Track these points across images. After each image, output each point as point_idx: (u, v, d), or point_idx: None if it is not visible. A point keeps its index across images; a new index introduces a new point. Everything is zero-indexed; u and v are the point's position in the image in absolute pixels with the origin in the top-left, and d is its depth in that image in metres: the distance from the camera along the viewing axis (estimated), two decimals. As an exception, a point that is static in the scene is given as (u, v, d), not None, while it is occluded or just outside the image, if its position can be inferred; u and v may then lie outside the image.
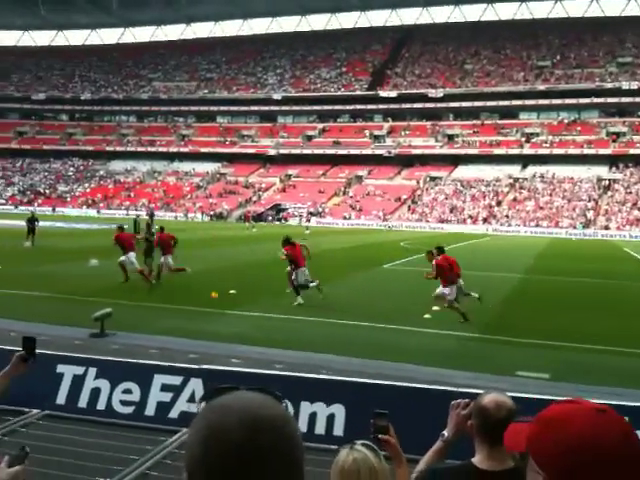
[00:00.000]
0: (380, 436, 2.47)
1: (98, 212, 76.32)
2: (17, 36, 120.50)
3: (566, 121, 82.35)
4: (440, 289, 14.16)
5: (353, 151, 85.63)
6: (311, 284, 16.14)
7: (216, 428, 1.02)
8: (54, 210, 73.67)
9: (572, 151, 76.62)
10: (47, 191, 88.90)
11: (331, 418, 6.95)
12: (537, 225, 65.65)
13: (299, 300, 15.72)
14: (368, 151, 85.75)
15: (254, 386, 1.13)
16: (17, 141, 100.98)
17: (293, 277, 16.17)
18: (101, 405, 7.47)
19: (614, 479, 1.10)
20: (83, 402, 7.52)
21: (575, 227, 63.54)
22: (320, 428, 6.90)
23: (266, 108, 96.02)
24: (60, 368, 7.66)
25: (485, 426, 2.49)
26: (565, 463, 1.14)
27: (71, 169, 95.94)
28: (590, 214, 66.45)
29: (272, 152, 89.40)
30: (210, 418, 1.05)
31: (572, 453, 1.14)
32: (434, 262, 14.22)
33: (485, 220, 68.29)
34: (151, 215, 49.99)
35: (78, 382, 7.61)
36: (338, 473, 2.19)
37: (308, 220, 58.15)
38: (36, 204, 76.37)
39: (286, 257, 16.36)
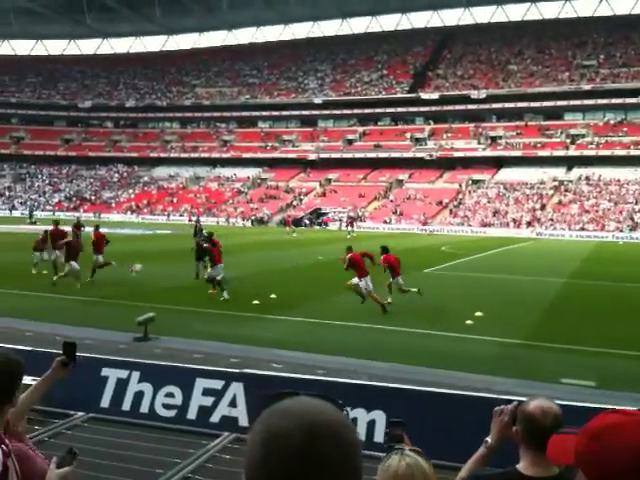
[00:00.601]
0: (395, 445, 2.46)
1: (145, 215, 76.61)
2: (64, 45, 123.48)
3: (612, 122, 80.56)
4: (355, 279, 16.03)
5: (394, 154, 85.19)
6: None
7: (276, 432, 1.03)
8: (99, 216, 75.03)
9: (618, 152, 74.87)
10: (92, 197, 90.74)
11: (372, 424, 6.91)
12: (582, 229, 64.32)
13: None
14: (409, 154, 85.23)
15: (315, 392, 1.13)
16: (64, 148, 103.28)
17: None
18: (144, 408, 7.58)
19: None
20: (127, 405, 7.64)
21: (622, 230, 62.09)
22: (360, 434, 6.87)
23: (307, 112, 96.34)
24: (105, 371, 7.80)
25: (531, 432, 2.47)
26: (616, 477, 1.11)
27: (116, 175, 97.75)
28: (637, 217, 64.83)
29: (312, 156, 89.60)
30: (270, 422, 1.05)
31: (623, 467, 1.10)
32: (348, 256, 16.21)
33: (529, 224, 67.20)
34: (197, 221, 51.04)
35: (122, 385, 7.74)
36: (390, 478, 2.19)
37: (351, 224, 57.95)
38: (82, 210, 77.88)
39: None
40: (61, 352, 3.51)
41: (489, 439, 2.89)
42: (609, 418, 1.20)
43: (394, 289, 16.70)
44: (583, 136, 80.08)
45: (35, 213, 72.51)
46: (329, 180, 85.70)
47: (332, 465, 1.01)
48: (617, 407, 1.16)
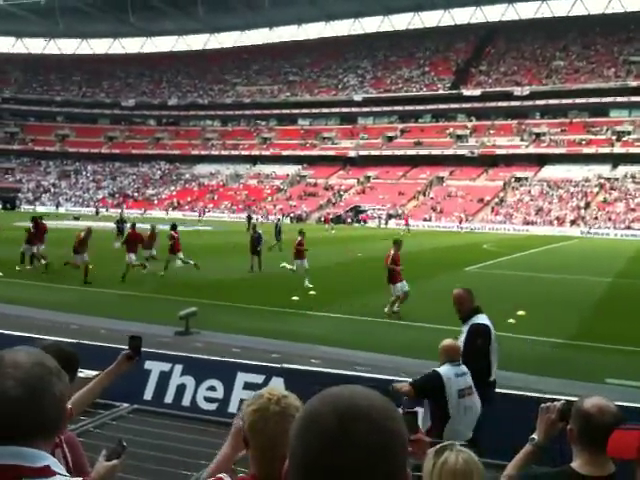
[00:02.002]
0: (411, 436, 2.43)
1: (200, 216, 75.59)
2: (108, 44, 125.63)
3: (659, 118, 78.64)
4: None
5: (434, 151, 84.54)
6: None
7: (311, 414, 1.05)
8: (144, 212, 76.06)
9: (666, 149, 73.08)
10: (135, 194, 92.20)
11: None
12: (628, 227, 62.94)
13: None
14: (450, 151, 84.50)
15: (372, 384, 1.16)
16: (107, 146, 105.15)
17: None
18: (186, 401, 7.68)
19: None
20: (169, 398, 7.74)
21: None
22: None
23: (347, 110, 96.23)
24: (148, 364, 7.91)
25: (587, 431, 2.43)
26: None
27: (158, 172, 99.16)
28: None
29: (352, 154, 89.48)
30: (310, 404, 1.08)
31: None
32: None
33: (573, 222, 66.04)
34: (249, 218, 52.41)
35: (165, 378, 7.85)
36: (450, 474, 2.18)
37: (407, 223, 57.84)
38: (125, 206, 79.05)
39: None
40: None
41: (535, 436, 2.87)
42: None
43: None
44: (629, 133, 78.29)
45: (101, 210, 75.20)
46: (368, 177, 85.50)
47: (365, 450, 1.00)
48: None
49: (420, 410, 4.84)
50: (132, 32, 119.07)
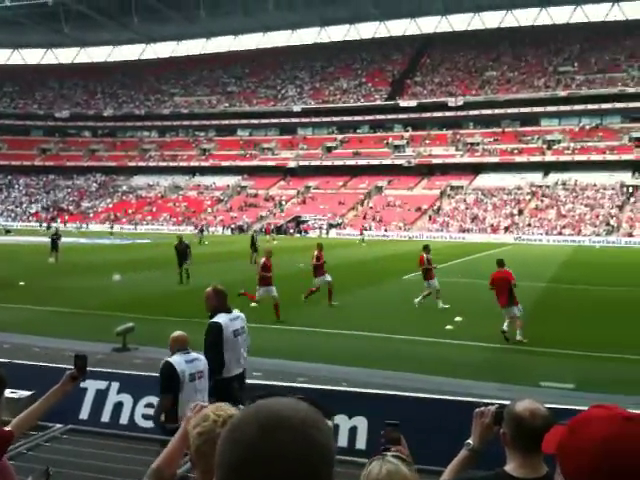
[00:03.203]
0: (392, 447, 2.44)
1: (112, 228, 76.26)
2: (40, 54, 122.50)
3: (588, 127, 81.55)
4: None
5: (373, 161, 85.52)
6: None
7: (234, 425, 1.04)
8: (80, 227, 74.22)
9: (594, 157, 75.77)
10: (70, 207, 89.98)
11: (353, 430, 6.92)
12: (560, 233, 64.98)
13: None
14: (388, 161, 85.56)
15: (301, 396, 1.11)
16: (41, 158, 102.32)
17: None
18: (124, 419, 7.52)
19: None
20: (106, 416, 7.57)
21: (598, 235, 62.77)
22: (343, 441, 6.87)
23: (286, 120, 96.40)
24: (83, 383, 7.70)
25: (520, 434, 2.45)
26: (585, 469, 1.13)
27: (94, 185, 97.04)
28: (613, 221, 65.64)
29: (292, 164, 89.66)
30: (235, 417, 1.08)
31: (593, 460, 1.11)
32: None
33: (507, 229, 67.77)
34: (201, 230, 52.75)
35: (101, 396, 7.68)
36: None
37: (362, 232, 59.10)
38: (59, 220, 77.06)
39: None
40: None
41: (470, 441, 2.89)
42: (589, 411, 1.22)
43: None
44: (559, 142, 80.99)
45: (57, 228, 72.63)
46: (309, 188, 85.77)
47: (287, 460, 0.98)
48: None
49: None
50: (66, 42, 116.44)
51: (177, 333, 6.06)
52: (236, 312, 6.97)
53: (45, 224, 72.99)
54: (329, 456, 1.03)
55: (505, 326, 13.29)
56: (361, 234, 58.80)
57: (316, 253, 18.46)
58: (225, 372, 6.46)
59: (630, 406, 7.16)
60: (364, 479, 2.18)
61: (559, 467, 1.21)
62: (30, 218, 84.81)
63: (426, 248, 18.21)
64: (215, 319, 6.65)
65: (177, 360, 5.72)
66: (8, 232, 57.19)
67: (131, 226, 78.68)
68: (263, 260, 16.27)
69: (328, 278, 18.04)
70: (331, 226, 72.72)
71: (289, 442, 0.99)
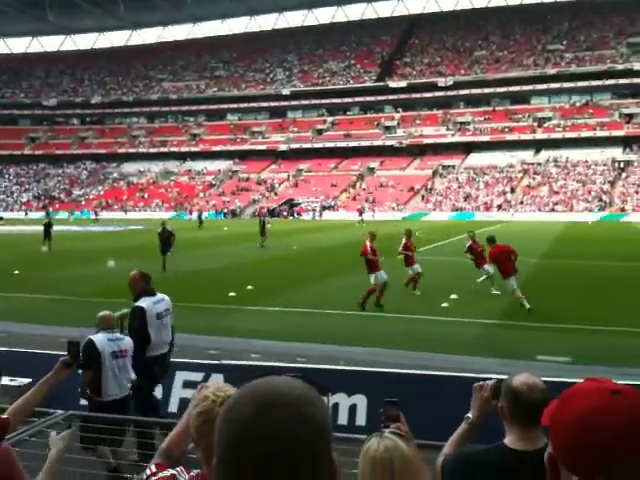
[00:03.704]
0: (391, 424, 2.46)
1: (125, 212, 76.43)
2: (26, 43, 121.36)
3: (578, 104, 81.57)
4: None
5: (364, 143, 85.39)
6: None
7: (230, 405, 1.05)
8: (72, 214, 73.91)
9: (585, 134, 75.92)
10: (62, 195, 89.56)
11: (353, 408, 6.97)
12: (552, 210, 65.20)
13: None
14: (379, 142, 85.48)
15: (294, 374, 1.12)
16: (30, 147, 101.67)
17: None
18: (125, 403, 7.52)
19: (612, 460, 1.08)
20: (107, 401, 7.57)
21: (590, 211, 63.03)
22: (343, 419, 6.92)
23: (275, 104, 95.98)
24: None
25: (518, 408, 2.48)
26: (569, 441, 1.14)
27: (84, 173, 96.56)
28: (605, 197, 65.88)
29: (283, 147, 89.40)
30: (232, 397, 1.08)
31: (576, 432, 1.12)
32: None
33: (499, 207, 67.92)
34: (200, 215, 52.85)
35: (101, 382, 7.66)
36: (370, 462, 2.12)
37: (361, 214, 59.01)
38: (50, 209, 76.64)
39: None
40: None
41: (470, 415, 2.91)
42: (579, 385, 1.23)
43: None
44: (550, 119, 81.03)
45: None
46: (300, 170, 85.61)
47: (283, 437, 0.98)
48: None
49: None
50: (51, 30, 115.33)
51: (103, 313, 6.38)
52: (160, 295, 7.14)
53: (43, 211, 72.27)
54: (325, 432, 1.03)
55: (526, 303, 13.87)
56: (360, 215, 58.77)
57: (404, 241, 16.92)
58: (150, 351, 6.69)
59: (626, 377, 7.24)
60: (363, 455, 2.19)
61: (549, 439, 1.23)
62: (22, 207, 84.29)
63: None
64: (139, 303, 6.82)
65: (99, 338, 6.06)
66: (0, 220, 57.00)
67: (122, 212, 78.44)
68: (368, 244, 14.78)
69: (419, 269, 16.74)
70: (324, 208, 72.67)
71: (285, 419, 0.99)
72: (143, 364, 6.57)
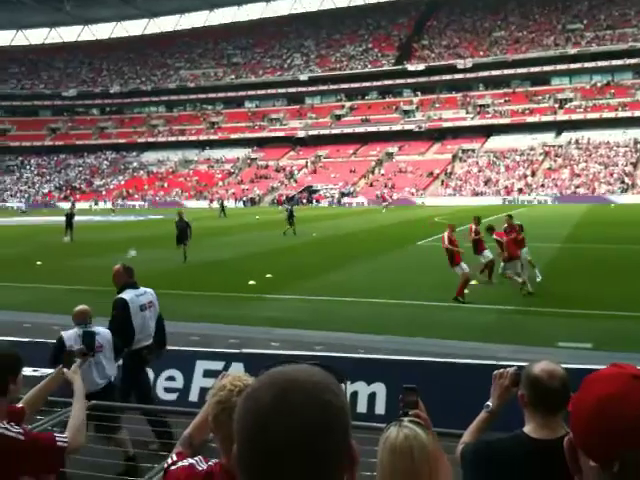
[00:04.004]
0: (410, 411, 2.46)
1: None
2: (44, 34, 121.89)
3: (599, 84, 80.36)
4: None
5: (382, 128, 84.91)
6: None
7: (249, 393, 1.06)
8: (97, 204, 74.49)
9: (606, 115, 74.84)
10: (83, 186, 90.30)
11: (372, 397, 6.97)
12: (574, 193, 64.48)
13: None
14: (398, 127, 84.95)
15: (312, 362, 1.12)
16: (51, 138, 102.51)
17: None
18: (146, 393, 7.59)
19: (629, 446, 1.07)
20: (128, 391, 7.65)
21: (613, 193, 62.22)
22: (362, 407, 6.93)
23: (293, 90, 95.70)
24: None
25: (538, 396, 2.47)
26: (588, 425, 1.13)
27: (105, 163, 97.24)
28: (628, 179, 64.96)
29: (301, 134, 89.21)
30: (250, 386, 1.09)
31: (592, 417, 1.12)
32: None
33: (521, 190, 67.29)
34: (222, 204, 51.98)
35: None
36: (389, 451, 2.14)
37: (384, 200, 59.28)
38: (72, 199, 77.45)
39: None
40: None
41: (490, 403, 2.90)
42: (603, 371, 1.21)
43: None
44: (571, 100, 79.93)
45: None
46: (319, 157, 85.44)
47: (300, 422, 0.99)
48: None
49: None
50: (68, 21, 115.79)
51: (78, 307, 6.27)
52: (143, 289, 7.21)
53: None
54: (344, 418, 1.05)
55: (529, 287, 13.94)
56: (384, 200, 58.86)
57: (474, 227, 16.30)
58: (134, 344, 6.76)
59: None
60: (382, 444, 2.19)
61: (569, 424, 1.22)
62: (45, 198, 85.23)
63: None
64: (122, 295, 6.92)
65: (69, 334, 5.98)
66: (24, 213, 57.65)
67: (143, 202, 78.96)
68: (446, 235, 14.24)
69: (490, 255, 16.14)
70: (343, 195, 72.50)
71: (303, 405, 1.00)
72: (128, 355, 6.67)
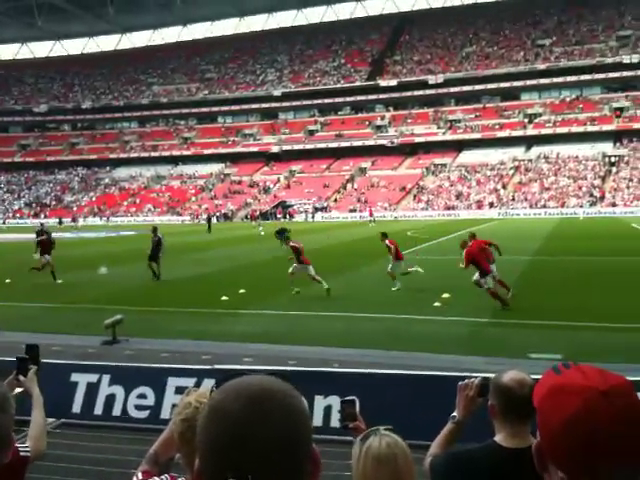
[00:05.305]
0: (350, 424, 2.48)
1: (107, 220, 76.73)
2: (15, 49, 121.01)
3: (568, 99, 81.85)
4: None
5: (355, 143, 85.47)
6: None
7: (216, 404, 1.04)
8: (74, 220, 73.35)
9: (575, 129, 76.19)
10: (53, 202, 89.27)
11: (328, 409, 6.98)
12: (544, 206, 65.37)
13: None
14: (370, 142, 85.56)
15: (263, 370, 1.14)
16: (21, 154, 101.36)
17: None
18: (116, 411, 7.52)
19: (597, 463, 1.06)
20: (99, 409, 7.57)
21: (582, 206, 63.20)
22: (335, 421, 6.91)
23: (266, 105, 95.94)
24: (74, 377, 7.71)
25: (509, 405, 2.47)
26: (555, 440, 1.11)
27: (76, 179, 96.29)
28: (596, 192, 66.07)
29: (275, 149, 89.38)
30: (212, 398, 1.07)
31: (562, 432, 1.10)
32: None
33: (491, 205, 68.05)
34: (209, 218, 51.94)
35: (93, 389, 7.66)
36: (374, 459, 2.15)
37: (371, 215, 58.99)
38: (42, 216, 76.55)
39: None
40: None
41: (455, 414, 2.91)
42: (569, 375, 1.19)
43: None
44: (540, 115, 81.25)
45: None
46: (293, 172, 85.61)
47: (276, 428, 0.99)
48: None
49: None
50: (40, 36, 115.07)
51: None
52: None
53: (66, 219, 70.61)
54: (309, 422, 1.07)
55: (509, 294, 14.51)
56: (370, 215, 58.98)
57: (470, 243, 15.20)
58: None
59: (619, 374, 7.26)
60: (364, 454, 2.20)
61: (537, 427, 1.19)
62: (14, 215, 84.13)
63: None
64: None
65: None
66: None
67: (120, 218, 78.25)
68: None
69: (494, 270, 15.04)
70: (316, 210, 72.67)
71: (275, 411, 1.01)
72: None
